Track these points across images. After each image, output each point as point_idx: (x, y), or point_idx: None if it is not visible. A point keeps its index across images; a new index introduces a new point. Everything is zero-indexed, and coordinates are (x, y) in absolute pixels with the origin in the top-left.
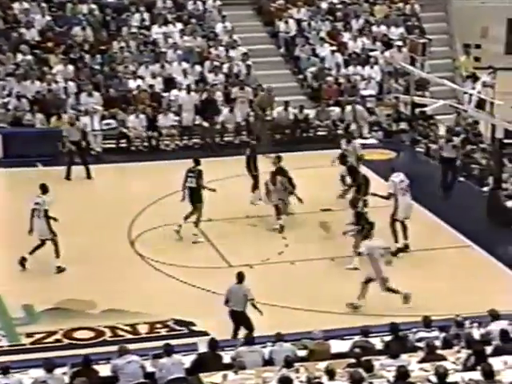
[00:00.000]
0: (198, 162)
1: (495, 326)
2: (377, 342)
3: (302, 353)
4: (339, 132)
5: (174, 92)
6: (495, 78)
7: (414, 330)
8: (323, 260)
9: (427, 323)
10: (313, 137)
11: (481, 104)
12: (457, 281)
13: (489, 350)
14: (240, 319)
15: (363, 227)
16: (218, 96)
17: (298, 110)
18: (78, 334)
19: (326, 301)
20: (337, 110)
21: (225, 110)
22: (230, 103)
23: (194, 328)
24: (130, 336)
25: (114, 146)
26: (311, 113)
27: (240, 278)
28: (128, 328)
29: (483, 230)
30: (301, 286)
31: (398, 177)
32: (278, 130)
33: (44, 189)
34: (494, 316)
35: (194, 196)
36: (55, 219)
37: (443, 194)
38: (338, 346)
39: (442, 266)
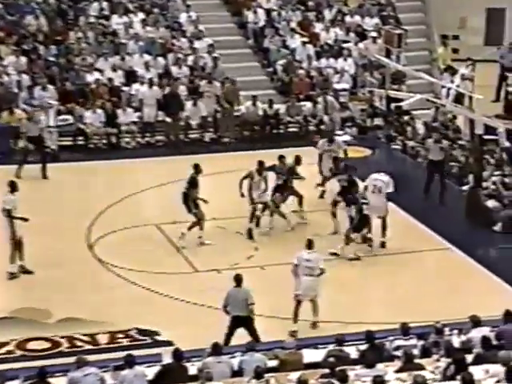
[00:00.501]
0: (195, 168)
1: (476, 333)
2: (352, 351)
3: (273, 363)
4: (311, 128)
5: (135, 86)
6: (474, 71)
7: (391, 338)
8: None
9: (405, 331)
10: (283, 133)
11: (459, 98)
12: (435, 285)
13: (469, 358)
14: (247, 325)
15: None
16: (182, 90)
17: (267, 105)
18: (31, 345)
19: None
20: (308, 104)
21: (188, 104)
22: (194, 97)
23: (157, 338)
24: (88, 347)
25: (70, 143)
26: (281, 108)
27: (238, 280)
28: (86, 338)
29: (463, 232)
30: (270, 292)
31: (375, 176)
32: (246, 127)
33: (12, 187)
34: (475, 322)
35: (186, 202)
36: (25, 219)
37: (426, 193)
38: (311, 355)
39: (419, 270)
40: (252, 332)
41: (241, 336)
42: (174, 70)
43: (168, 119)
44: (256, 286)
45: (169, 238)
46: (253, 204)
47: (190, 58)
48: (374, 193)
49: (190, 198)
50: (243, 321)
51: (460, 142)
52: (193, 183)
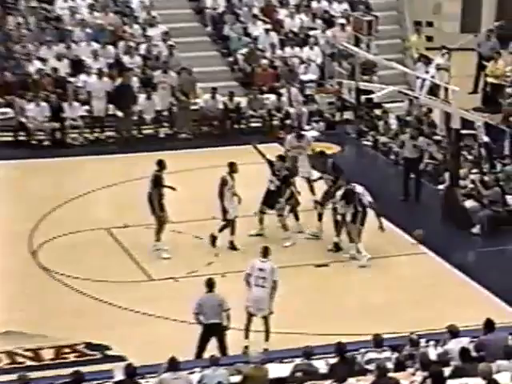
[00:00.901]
0: (160, 165)
1: (454, 344)
2: (321, 365)
3: (236, 379)
4: (276, 123)
5: (83, 77)
6: (450, 60)
7: (363, 350)
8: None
9: (378, 342)
10: (245, 129)
11: (434, 90)
12: (410, 293)
13: (447, 371)
14: (220, 334)
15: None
16: (134, 82)
17: (227, 98)
18: None
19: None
20: (272, 97)
21: (141, 97)
22: (148, 89)
23: (108, 352)
24: (31, 363)
25: (10, 138)
26: (243, 101)
27: (210, 285)
28: (29, 353)
29: (439, 235)
30: (233, 301)
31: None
32: (204, 122)
33: None
34: (453, 333)
35: (151, 205)
36: None
37: (406, 199)
38: (276, 370)
39: (393, 276)
40: (222, 343)
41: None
42: (126, 59)
43: (119, 113)
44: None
45: (120, 243)
46: (225, 220)
47: (143, 47)
48: None
49: (154, 199)
50: (217, 329)
51: (435, 138)
52: (156, 182)
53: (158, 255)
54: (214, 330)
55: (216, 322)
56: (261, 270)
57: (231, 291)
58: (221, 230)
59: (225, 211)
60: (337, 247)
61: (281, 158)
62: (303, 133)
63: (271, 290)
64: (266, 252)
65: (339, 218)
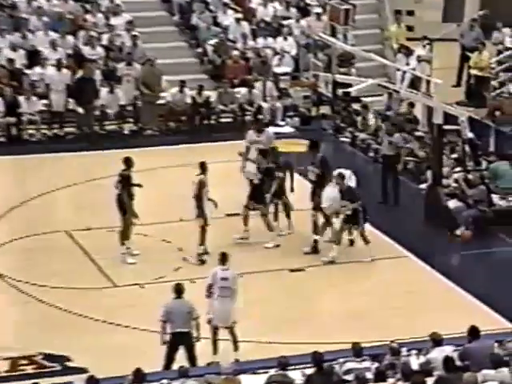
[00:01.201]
0: (127, 162)
1: (437, 353)
2: (297, 376)
3: None
4: (248, 118)
5: (40, 69)
6: (432, 51)
7: (341, 360)
8: None
9: (357, 352)
10: (215, 124)
11: (415, 83)
12: (391, 299)
13: (430, 381)
14: (189, 343)
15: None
16: (96, 75)
17: (196, 92)
18: None
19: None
20: (243, 90)
21: (103, 91)
22: (111, 82)
23: (68, 364)
24: None
25: None
26: (213, 95)
27: (178, 290)
28: None
29: (421, 237)
30: (203, 308)
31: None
32: (172, 117)
33: None
34: (436, 341)
35: (122, 206)
36: None
37: (384, 201)
38: (250, 381)
39: (373, 282)
40: (191, 352)
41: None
42: (86, 50)
43: (80, 108)
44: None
45: (82, 248)
46: (206, 225)
47: (105, 37)
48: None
49: (125, 200)
50: (185, 338)
51: (416, 134)
52: (125, 182)
53: (123, 260)
54: (182, 340)
55: (185, 331)
56: (224, 279)
57: (201, 298)
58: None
59: (202, 216)
60: (315, 249)
61: (261, 152)
62: (265, 128)
63: (233, 300)
64: (224, 258)
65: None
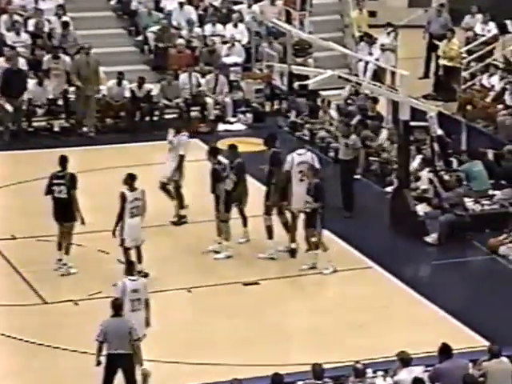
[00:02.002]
0: (64, 162)
1: (406, 374)
2: None
3: None
4: (194, 114)
5: None
6: (397, 39)
7: (300, 382)
8: (180, 291)
9: (317, 373)
10: (158, 121)
11: (379, 74)
12: (354, 315)
13: None
14: (128, 366)
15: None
16: (22, 64)
17: (136, 85)
18: None
19: (187, 348)
20: (182, 77)
21: (31, 83)
22: (39, 74)
23: None
24: None
25: None
26: (155, 88)
27: (117, 307)
28: None
29: (386, 245)
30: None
31: (300, 156)
32: (108, 113)
33: None
34: (405, 360)
35: (66, 211)
36: None
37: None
38: None
39: (333, 296)
40: (131, 377)
41: None
42: (10, 36)
43: (8, 106)
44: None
45: (6, 259)
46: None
47: (32, 22)
48: (301, 181)
49: (74, 203)
50: (125, 360)
51: (380, 131)
52: (75, 182)
53: (56, 273)
54: (120, 362)
55: (123, 353)
56: (134, 291)
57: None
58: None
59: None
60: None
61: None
62: (182, 129)
63: (144, 311)
64: (131, 268)
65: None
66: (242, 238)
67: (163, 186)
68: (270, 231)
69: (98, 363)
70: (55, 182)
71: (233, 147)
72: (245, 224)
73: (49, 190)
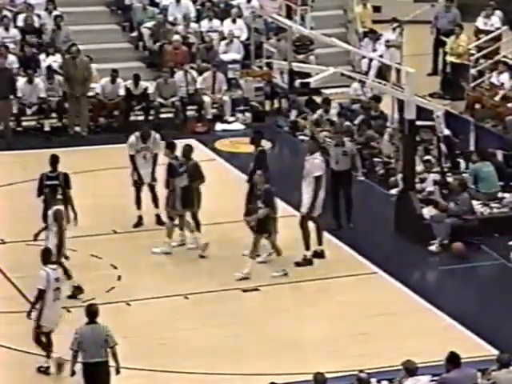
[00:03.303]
0: (55, 162)
1: None
2: None
3: None
4: (190, 113)
5: None
6: (402, 36)
7: None
8: (175, 297)
9: (320, 383)
10: (153, 120)
11: (383, 72)
12: (358, 322)
13: None
14: (104, 375)
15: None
16: (13, 61)
17: (131, 82)
18: None
19: (183, 356)
20: (178, 75)
21: (21, 81)
22: (28, 71)
23: None
24: None
25: None
26: (150, 86)
27: (92, 314)
28: None
29: (392, 250)
30: (137, 335)
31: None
32: (102, 111)
33: None
34: (410, 370)
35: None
36: None
37: (338, 227)
38: None
39: (337, 302)
40: None
41: None
42: None
43: None
44: (119, 329)
45: None
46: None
47: (21, 17)
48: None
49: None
50: (100, 369)
51: (386, 131)
52: (68, 182)
53: None
54: (96, 371)
55: (99, 361)
56: (56, 280)
57: (138, 321)
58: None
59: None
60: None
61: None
62: (150, 132)
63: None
64: (47, 255)
65: None
66: (192, 244)
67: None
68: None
69: (73, 373)
70: (47, 183)
71: (188, 147)
72: (198, 228)
73: (41, 192)
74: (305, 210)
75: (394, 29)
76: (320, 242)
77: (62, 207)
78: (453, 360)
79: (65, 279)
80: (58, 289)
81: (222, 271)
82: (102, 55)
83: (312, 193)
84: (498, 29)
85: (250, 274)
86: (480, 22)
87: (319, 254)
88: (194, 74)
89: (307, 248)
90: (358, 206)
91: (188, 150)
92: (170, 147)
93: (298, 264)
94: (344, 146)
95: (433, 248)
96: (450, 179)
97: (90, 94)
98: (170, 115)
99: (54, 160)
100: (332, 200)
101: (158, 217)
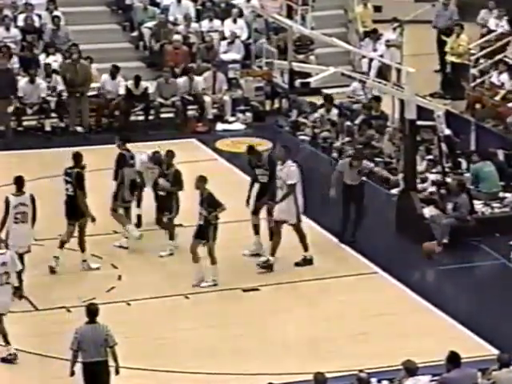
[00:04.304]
0: (78, 159)
1: None
2: None
3: None
4: (191, 113)
5: None
6: (402, 35)
7: None
8: (175, 297)
9: (320, 383)
10: (154, 120)
11: (384, 71)
12: (358, 322)
13: None
14: (102, 375)
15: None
16: (13, 62)
17: (132, 82)
18: None
19: (184, 356)
20: (183, 79)
21: (22, 81)
22: (31, 71)
23: None
24: None
25: None
26: (150, 86)
27: (92, 313)
28: None
29: (393, 250)
30: (138, 335)
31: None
32: (102, 111)
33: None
34: (410, 370)
35: (72, 209)
36: None
37: (343, 238)
38: None
39: (337, 303)
40: None
41: None
42: (0, 32)
43: None
44: (119, 329)
45: None
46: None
47: (21, 17)
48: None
49: (80, 202)
50: (100, 368)
51: (386, 131)
52: (79, 181)
53: (48, 278)
54: (95, 370)
55: (99, 361)
56: (3, 264)
57: (138, 321)
58: None
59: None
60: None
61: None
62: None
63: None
64: None
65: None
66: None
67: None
68: (256, 229)
69: (72, 373)
70: (64, 178)
71: (170, 153)
72: (171, 237)
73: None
74: (294, 220)
75: (394, 28)
76: (305, 248)
77: None
78: (453, 359)
79: None
80: (6, 273)
81: (222, 271)
82: (103, 55)
83: (292, 201)
84: (508, 31)
85: (202, 279)
86: (492, 23)
87: (308, 261)
88: (198, 78)
89: (305, 249)
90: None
91: (170, 156)
92: (123, 139)
93: (297, 264)
94: (359, 160)
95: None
96: (450, 180)
97: (92, 93)
98: (171, 115)
99: (76, 156)
100: (342, 213)
101: (157, 217)
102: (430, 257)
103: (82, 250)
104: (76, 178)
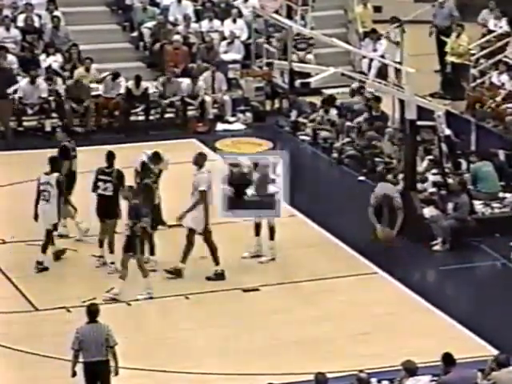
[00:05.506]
0: (112, 159)
1: None
2: None
3: None
4: (191, 113)
5: None
6: (403, 35)
7: None
8: (175, 297)
9: (321, 383)
10: (154, 121)
11: (384, 71)
12: (358, 322)
13: None
14: (104, 374)
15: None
16: (12, 62)
17: (132, 83)
18: None
19: (183, 356)
20: (186, 81)
21: (23, 82)
22: (30, 71)
23: None
24: None
25: None
26: (150, 86)
27: (92, 313)
28: None
29: (392, 250)
30: (139, 335)
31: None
32: (103, 111)
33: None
34: (410, 370)
35: (108, 208)
36: None
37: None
38: None
39: (337, 303)
40: None
41: None
42: (0, 32)
43: None
44: (119, 329)
45: None
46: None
47: (21, 17)
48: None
49: (114, 201)
50: (101, 368)
51: (387, 131)
52: (120, 180)
53: (49, 278)
54: (96, 370)
55: (100, 360)
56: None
57: (138, 321)
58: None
59: None
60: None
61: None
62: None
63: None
64: None
65: None
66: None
67: None
68: (257, 230)
69: (74, 374)
70: (101, 177)
71: (156, 154)
72: (151, 253)
73: (95, 187)
74: (200, 228)
75: (394, 28)
76: (216, 262)
77: None
78: (448, 359)
79: None
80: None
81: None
82: (103, 55)
83: (202, 208)
84: (507, 32)
85: (118, 295)
86: (491, 23)
87: (219, 275)
88: (222, 77)
89: (216, 263)
90: (359, 205)
91: (157, 157)
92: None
93: (208, 278)
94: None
95: (437, 247)
96: (450, 180)
97: (93, 93)
98: (171, 115)
99: (110, 156)
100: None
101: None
102: (389, 245)
103: (111, 251)
104: (117, 176)
